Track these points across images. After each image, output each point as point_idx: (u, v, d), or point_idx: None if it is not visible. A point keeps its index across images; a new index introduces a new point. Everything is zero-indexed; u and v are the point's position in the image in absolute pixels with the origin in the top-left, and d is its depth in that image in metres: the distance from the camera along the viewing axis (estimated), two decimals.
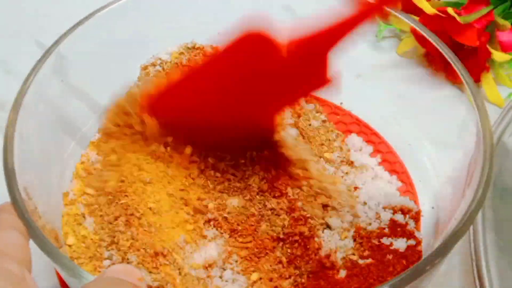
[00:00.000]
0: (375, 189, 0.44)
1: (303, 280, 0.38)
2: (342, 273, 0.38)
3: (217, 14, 0.50)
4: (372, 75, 0.52)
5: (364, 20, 0.31)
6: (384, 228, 0.41)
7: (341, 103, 0.50)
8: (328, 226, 0.40)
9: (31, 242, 0.31)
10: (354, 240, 0.40)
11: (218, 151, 0.40)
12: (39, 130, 0.40)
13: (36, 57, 0.40)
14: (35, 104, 0.39)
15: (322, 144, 0.45)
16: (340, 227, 0.40)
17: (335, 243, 0.39)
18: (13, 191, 0.33)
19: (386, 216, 0.42)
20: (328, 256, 0.38)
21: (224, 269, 0.38)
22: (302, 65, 0.33)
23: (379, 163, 0.46)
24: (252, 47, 0.33)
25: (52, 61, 0.41)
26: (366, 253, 0.39)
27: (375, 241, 0.40)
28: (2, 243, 0.29)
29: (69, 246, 0.39)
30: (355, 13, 0.31)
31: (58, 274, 0.41)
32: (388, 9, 0.37)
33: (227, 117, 0.37)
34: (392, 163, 0.47)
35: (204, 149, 0.40)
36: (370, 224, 0.41)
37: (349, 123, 0.49)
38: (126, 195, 0.38)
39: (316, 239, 0.39)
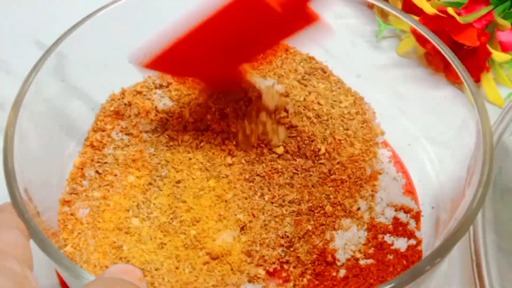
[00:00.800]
0: (383, 183, 0.44)
1: (304, 279, 0.38)
2: (342, 272, 0.38)
3: None
4: (372, 75, 0.52)
5: None
6: (388, 225, 0.41)
7: None
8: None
9: (31, 241, 0.31)
10: (369, 231, 0.40)
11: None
12: (39, 130, 0.40)
13: (36, 57, 0.40)
14: (35, 104, 0.39)
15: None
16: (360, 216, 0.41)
17: (350, 236, 0.40)
18: (13, 191, 0.33)
19: (390, 213, 0.42)
20: (332, 253, 0.38)
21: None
22: (290, 11, 0.36)
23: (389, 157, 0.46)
24: (244, 5, 0.36)
25: (52, 61, 0.41)
26: (371, 251, 0.39)
27: (381, 237, 0.40)
28: (4, 243, 0.29)
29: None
30: None
31: (58, 273, 0.41)
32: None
33: (223, 65, 0.41)
34: (392, 163, 0.47)
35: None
36: (379, 217, 0.42)
37: None
38: None
39: (330, 232, 0.39)
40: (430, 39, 0.43)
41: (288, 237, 0.39)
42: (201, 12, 0.38)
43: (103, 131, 0.45)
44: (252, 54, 0.42)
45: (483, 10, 0.53)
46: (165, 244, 0.38)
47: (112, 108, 0.46)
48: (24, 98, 0.38)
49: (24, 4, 0.63)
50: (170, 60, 0.40)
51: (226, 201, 0.40)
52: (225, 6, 0.36)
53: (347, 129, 0.44)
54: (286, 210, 0.40)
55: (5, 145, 0.35)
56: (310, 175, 0.42)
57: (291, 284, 0.38)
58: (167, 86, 0.47)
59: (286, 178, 0.41)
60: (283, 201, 0.40)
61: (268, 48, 0.42)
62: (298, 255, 0.39)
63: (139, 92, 0.47)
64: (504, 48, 0.54)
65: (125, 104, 0.46)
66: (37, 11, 0.62)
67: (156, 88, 0.47)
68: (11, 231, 0.30)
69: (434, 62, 0.53)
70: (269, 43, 0.41)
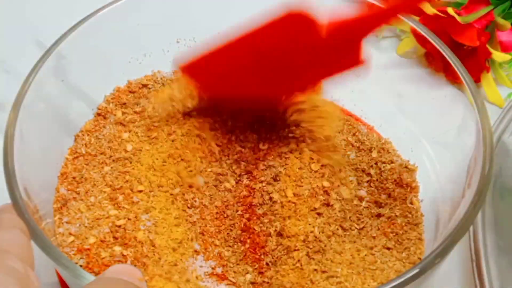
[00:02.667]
0: None
1: None
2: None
3: (217, 14, 0.50)
4: (372, 75, 0.52)
5: (398, 12, 0.35)
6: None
7: (343, 105, 0.50)
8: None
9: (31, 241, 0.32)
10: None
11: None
12: (39, 130, 0.40)
13: (36, 57, 0.40)
14: (35, 104, 0.39)
15: None
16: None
17: None
18: (13, 191, 0.33)
19: None
20: None
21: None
22: (338, 45, 0.36)
23: None
24: (293, 25, 0.35)
25: (52, 61, 0.41)
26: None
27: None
28: (5, 242, 0.29)
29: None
30: (392, 6, 0.35)
31: (58, 273, 0.41)
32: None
33: (260, 85, 0.39)
34: None
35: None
36: None
37: None
38: None
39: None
40: (430, 39, 0.43)
41: None
42: (247, 23, 0.37)
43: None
44: (291, 85, 0.40)
45: (483, 10, 0.53)
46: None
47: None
48: (24, 98, 0.38)
49: (24, 4, 0.63)
50: (205, 69, 0.39)
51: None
52: (271, 22, 0.36)
53: None
54: None
55: (5, 145, 0.35)
56: None
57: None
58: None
59: None
60: None
61: (307, 84, 0.39)
62: None
63: (145, 85, 0.47)
64: (504, 48, 0.54)
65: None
66: (37, 11, 0.62)
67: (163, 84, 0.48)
68: (12, 230, 0.30)
69: (434, 62, 0.53)
70: (309, 78, 0.39)
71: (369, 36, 0.36)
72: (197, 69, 0.40)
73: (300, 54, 0.37)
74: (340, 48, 0.36)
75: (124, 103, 0.47)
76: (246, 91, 0.40)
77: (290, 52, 0.36)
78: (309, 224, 0.40)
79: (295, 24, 0.35)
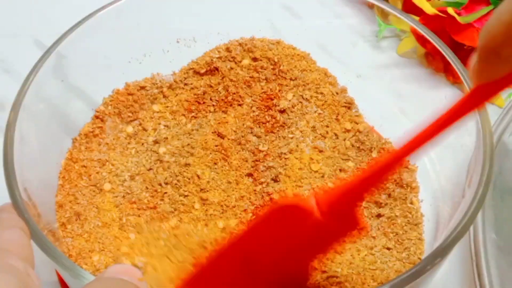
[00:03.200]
0: None
1: None
2: None
3: (217, 14, 0.50)
4: (372, 75, 0.52)
5: (389, 174, 0.31)
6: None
7: None
8: None
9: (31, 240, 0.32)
10: None
11: None
12: (39, 130, 0.40)
13: (36, 57, 0.40)
14: (35, 104, 0.39)
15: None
16: None
17: None
18: (13, 191, 0.33)
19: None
20: None
21: None
22: (334, 220, 0.32)
23: None
24: (284, 217, 0.33)
25: (52, 61, 0.41)
26: None
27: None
28: (6, 241, 0.29)
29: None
30: (382, 167, 0.31)
31: (57, 273, 0.41)
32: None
33: (262, 279, 0.36)
34: None
35: None
36: None
37: None
38: None
39: None
40: (430, 39, 0.43)
41: None
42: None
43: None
44: (298, 263, 0.36)
45: (483, 10, 0.53)
46: None
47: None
48: (24, 98, 0.38)
49: (24, 4, 0.63)
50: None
51: None
52: (260, 219, 0.33)
53: None
54: None
55: (5, 145, 0.35)
56: None
57: None
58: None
59: None
60: None
61: (313, 258, 0.36)
62: None
63: (143, 87, 0.47)
64: None
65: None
66: (37, 11, 0.62)
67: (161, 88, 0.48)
68: (13, 230, 0.30)
69: (434, 62, 0.53)
70: (314, 253, 0.36)
71: (365, 199, 0.34)
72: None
73: (297, 240, 0.34)
74: (338, 220, 0.33)
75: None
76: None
77: (287, 242, 0.34)
78: None
79: (286, 215, 0.33)
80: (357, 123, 0.46)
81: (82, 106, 0.46)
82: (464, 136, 0.40)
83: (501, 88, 0.26)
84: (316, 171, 0.43)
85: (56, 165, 0.43)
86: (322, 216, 0.32)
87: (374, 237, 0.41)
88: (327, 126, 0.46)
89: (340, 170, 0.43)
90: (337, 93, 0.47)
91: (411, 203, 0.42)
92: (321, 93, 0.47)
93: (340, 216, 0.32)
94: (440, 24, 0.52)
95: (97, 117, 0.46)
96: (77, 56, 0.43)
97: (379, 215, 0.42)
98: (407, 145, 0.30)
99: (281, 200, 0.34)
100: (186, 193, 0.41)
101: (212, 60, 0.48)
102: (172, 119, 0.47)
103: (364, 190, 0.32)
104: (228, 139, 0.44)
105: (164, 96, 0.48)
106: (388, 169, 0.31)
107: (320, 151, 0.44)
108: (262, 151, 0.44)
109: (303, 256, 0.35)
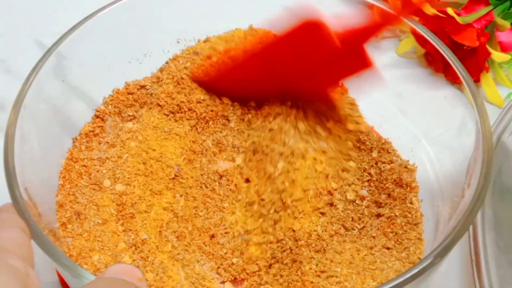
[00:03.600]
0: None
1: None
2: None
3: (217, 14, 0.50)
4: (372, 75, 0.52)
5: (386, 25, 0.38)
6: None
7: None
8: None
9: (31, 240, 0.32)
10: None
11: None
12: (39, 130, 0.40)
13: (36, 57, 0.40)
14: (35, 104, 0.39)
15: None
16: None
17: None
18: (13, 191, 0.33)
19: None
20: None
21: None
22: (350, 51, 0.38)
23: None
24: (309, 33, 0.37)
25: (52, 61, 0.41)
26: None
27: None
28: (6, 241, 0.29)
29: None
30: (381, 20, 0.37)
31: (58, 273, 0.41)
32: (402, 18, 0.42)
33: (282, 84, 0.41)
34: None
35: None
36: None
37: None
38: None
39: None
40: (430, 39, 0.43)
41: None
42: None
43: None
44: (309, 89, 0.42)
45: (483, 10, 0.53)
46: None
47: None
48: (24, 98, 0.38)
49: (24, 4, 0.63)
50: (226, 82, 0.42)
51: None
52: (287, 33, 0.38)
53: None
54: None
55: (5, 145, 0.35)
56: None
57: None
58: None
59: None
60: None
61: (325, 87, 0.42)
62: None
63: (143, 86, 0.47)
64: (504, 48, 0.54)
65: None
66: (37, 11, 0.62)
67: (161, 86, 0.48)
68: (13, 230, 0.30)
69: (434, 62, 0.53)
70: (327, 81, 0.41)
71: (366, 43, 0.38)
72: (217, 82, 0.42)
73: (317, 61, 0.39)
74: (352, 53, 0.38)
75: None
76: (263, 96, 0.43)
77: (307, 60, 0.39)
78: (313, 223, 0.40)
79: (310, 33, 0.37)
80: (358, 123, 0.46)
81: (83, 106, 0.46)
82: (463, 136, 0.40)
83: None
84: (320, 171, 0.43)
85: (57, 165, 0.43)
86: (341, 43, 0.37)
87: (374, 237, 0.41)
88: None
89: (343, 171, 0.44)
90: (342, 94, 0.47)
91: (411, 203, 0.42)
92: None
93: (353, 50, 0.37)
94: (440, 24, 0.52)
95: (97, 116, 0.46)
96: (78, 56, 0.43)
97: (378, 215, 0.42)
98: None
99: (307, 17, 0.38)
100: None
101: None
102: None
103: (366, 35, 0.37)
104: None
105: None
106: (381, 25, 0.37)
107: (324, 152, 0.45)
108: None
109: (320, 75, 0.40)
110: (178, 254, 0.39)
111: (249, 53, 0.41)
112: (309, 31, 0.37)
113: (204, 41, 0.49)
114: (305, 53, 0.39)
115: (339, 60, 0.38)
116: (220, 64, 0.43)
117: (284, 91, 0.42)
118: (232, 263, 0.40)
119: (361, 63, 0.38)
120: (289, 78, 0.41)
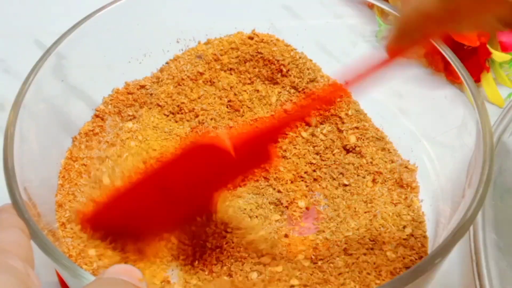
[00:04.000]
0: None
1: None
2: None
3: (217, 14, 0.50)
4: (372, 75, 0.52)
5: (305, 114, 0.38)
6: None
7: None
8: None
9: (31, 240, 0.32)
10: None
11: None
12: (38, 130, 0.40)
13: (36, 57, 0.40)
14: (34, 103, 0.39)
15: None
16: None
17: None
18: (13, 191, 0.33)
19: None
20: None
21: None
22: (246, 156, 0.36)
23: None
24: (201, 154, 0.36)
25: (52, 61, 0.41)
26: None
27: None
28: (5, 242, 0.29)
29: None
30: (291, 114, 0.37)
31: (57, 273, 0.41)
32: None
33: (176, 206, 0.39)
34: None
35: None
36: None
37: None
38: None
39: None
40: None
41: None
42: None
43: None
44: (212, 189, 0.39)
45: None
46: None
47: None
48: (24, 98, 0.38)
49: (24, 4, 0.63)
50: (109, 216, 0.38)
51: None
52: (176, 157, 0.36)
53: None
54: None
55: (5, 145, 0.35)
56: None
57: None
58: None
59: None
60: None
61: (226, 184, 0.40)
62: None
63: (143, 86, 0.47)
64: (504, 48, 0.54)
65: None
66: (37, 11, 0.62)
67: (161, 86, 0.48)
68: (13, 230, 0.30)
69: (434, 62, 0.53)
70: (226, 181, 0.39)
71: (279, 139, 0.38)
72: (99, 218, 0.38)
73: (209, 174, 0.37)
74: (251, 156, 0.36)
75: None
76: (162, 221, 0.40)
77: (200, 175, 0.37)
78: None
79: (202, 152, 0.36)
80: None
81: (82, 106, 0.46)
82: (464, 136, 0.40)
83: (407, 48, 0.35)
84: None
85: (56, 165, 0.43)
86: (236, 153, 0.35)
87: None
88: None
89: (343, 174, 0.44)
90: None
91: (411, 203, 0.42)
92: None
93: (253, 152, 0.36)
94: None
95: (97, 116, 0.46)
96: (77, 56, 0.43)
97: None
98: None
99: (200, 139, 0.37)
100: None
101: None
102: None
103: (276, 133, 0.36)
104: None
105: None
106: (295, 118, 0.37)
107: None
108: None
109: (212, 187, 0.38)
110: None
111: (138, 178, 0.37)
112: (199, 153, 0.36)
113: (205, 43, 0.49)
114: (197, 172, 0.37)
115: (234, 167, 0.37)
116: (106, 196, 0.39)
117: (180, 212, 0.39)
118: None
119: (259, 160, 0.37)
120: (183, 199, 0.38)
